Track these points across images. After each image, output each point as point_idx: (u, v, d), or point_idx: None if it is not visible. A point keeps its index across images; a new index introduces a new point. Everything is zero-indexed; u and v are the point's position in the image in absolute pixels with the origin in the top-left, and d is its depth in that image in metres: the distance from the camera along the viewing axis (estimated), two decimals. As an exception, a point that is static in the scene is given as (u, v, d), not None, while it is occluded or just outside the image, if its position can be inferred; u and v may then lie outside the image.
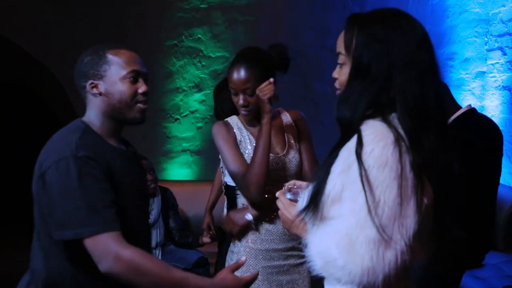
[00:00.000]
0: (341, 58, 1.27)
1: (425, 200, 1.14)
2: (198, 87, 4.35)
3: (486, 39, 4.53)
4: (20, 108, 6.10)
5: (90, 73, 1.56)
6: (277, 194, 1.41)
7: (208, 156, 4.29)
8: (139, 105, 1.59)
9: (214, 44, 4.33)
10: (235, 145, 1.94)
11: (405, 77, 1.16)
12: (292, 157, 1.99)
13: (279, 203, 1.40)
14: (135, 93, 1.57)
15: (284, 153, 1.98)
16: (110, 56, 1.57)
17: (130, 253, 1.40)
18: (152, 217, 3.30)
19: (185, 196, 3.81)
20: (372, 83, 1.18)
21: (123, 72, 1.56)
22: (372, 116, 1.17)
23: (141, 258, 1.41)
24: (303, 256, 1.91)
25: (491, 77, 4.46)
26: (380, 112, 1.17)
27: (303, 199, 1.28)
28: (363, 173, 1.11)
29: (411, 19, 1.22)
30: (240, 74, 1.89)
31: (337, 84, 1.31)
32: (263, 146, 1.82)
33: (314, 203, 1.23)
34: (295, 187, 1.40)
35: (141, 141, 4.15)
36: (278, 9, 4.35)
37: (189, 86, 4.35)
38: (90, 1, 4.10)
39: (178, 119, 4.37)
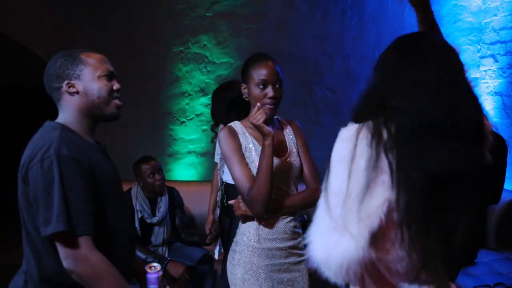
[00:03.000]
0: None
1: (385, 198, 1.13)
2: (204, 92, 4.37)
3: (479, 46, 4.52)
4: (33, 111, 6.19)
5: (65, 73, 1.58)
6: None
7: (213, 158, 4.17)
8: (116, 101, 1.65)
9: (219, 50, 4.35)
10: (241, 155, 1.93)
11: (405, 98, 1.16)
12: (294, 160, 2.01)
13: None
14: (111, 90, 1.63)
15: (285, 156, 2.00)
16: (84, 58, 1.61)
17: (97, 259, 1.45)
18: (159, 215, 3.35)
19: (190, 195, 3.83)
20: (374, 98, 1.22)
21: (99, 71, 1.61)
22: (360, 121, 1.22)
23: (106, 267, 1.46)
24: (303, 255, 2.03)
25: (484, 83, 4.45)
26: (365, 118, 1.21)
27: None
28: (328, 168, 1.19)
29: (433, 41, 1.22)
30: (271, 67, 1.90)
31: None
32: (266, 165, 1.82)
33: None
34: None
35: (149, 142, 4.25)
36: (280, 18, 4.36)
37: (194, 90, 4.36)
38: (100, 10, 4.14)
39: (184, 122, 4.39)
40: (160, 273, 1.75)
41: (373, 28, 4.45)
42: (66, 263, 1.44)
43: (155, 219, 3.35)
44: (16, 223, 1.64)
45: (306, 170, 2.05)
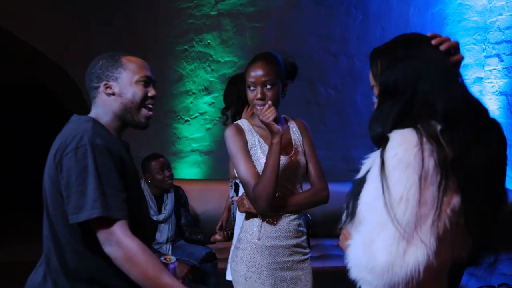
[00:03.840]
0: (375, 90, 1.30)
1: (450, 204, 1.14)
2: (208, 90, 4.38)
3: (484, 46, 4.51)
4: (39, 107, 6.22)
5: (104, 74, 1.63)
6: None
7: (217, 156, 4.32)
8: (146, 110, 1.68)
9: (223, 49, 4.36)
10: (247, 153, 1.95)
11: (430, 85, 1.19)
12: (299, 159, 2.02)
13: (342, 236, 1.39)
14: (146, 96, 1.66)
15: (291, 154, 2.00)
16: (125, 61, 1.66)
17: (131, 243, 1.45)
18: (166, 212, 3.37)
19: (194, 194, 3.84)
20: (400, 97, 1.21)
21: (137, 76, 1.65)
22: (404, 126, 1.18)
23: (140, 252, 1.46)
24: (306, 253, 2.05)
25: (488, 82, 4.45)
26: (411, 121, 1.18)
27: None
28: (386, 173, 1.12)
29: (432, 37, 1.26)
30: (259, 67, 1.91)
31: None
32: (273, 163, 1.83)
33: (352, 209, 1.26)
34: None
35: (153, 141, 4.25)
36: (284, 16, 4.36)
37: (198, 89, 4.37)
38: (105, 8, 4.15)
39: (188, 120, 4.40)
40: (176, 264, 1.80)
41: (378, 27, 4.45)
42: (105, 249, 1.46)
43: (161, 217, 3.37)
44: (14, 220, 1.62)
45: (311, 169, 2.06)
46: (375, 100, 1.32)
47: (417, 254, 1.08)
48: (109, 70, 1.64)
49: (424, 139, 1.13)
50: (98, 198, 1.43)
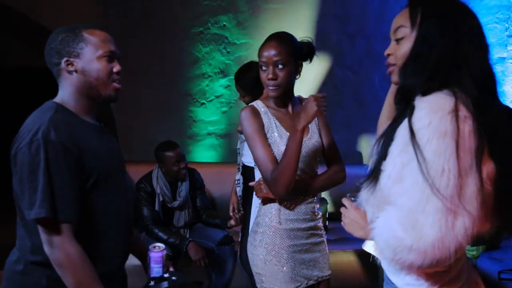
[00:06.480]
0: (402, 32, 1.25)
1: (485, 171, 1.11)
2: (223, 73, 4.36)
3: (507, 25, 4.41)
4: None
5: (65, 50, 1.53)
6: (343, 200, 1.39)
7: (232, 139, 4.31)
8: (115, 84, 1.59)
9: (239, 31, 4.33)
10: (264, 135, 1.92)
11: (471, 48, 1.16)
12: (316, 141, 2.00)
13: (344, 208, 1.37)
14: (111, 72, 1.56)
15: (308, 137, 1.98)
16: (86, 35, 1.55)
17: (71, 249, 1.43)
18: (180, 199, 3.38)
19: (210, 177, 3.84)
20: (438, 52, 1.17)
21: (100, 51, 1.54)
22: (435, 89, 1.15)
23: (78, 259, 1.44)
24: (322, 235, 2.06)
25: (511, 63, 4.38)
26: (443, 83, 1.15)
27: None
28: (422, 145, 1.07)
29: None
30: (272, 47, 1.89)
31: (392, 59, 1.28)
32: (295, 149, 1.81)
33: (374, 179, 1.21)
34: (352, 198, 1.39)
35: (168, 124, 4.28)
36: None
37: (214, 72, 4.36)
38: None
39: (204, 103, 4.39)
40: (164, 252, 1.75)
41: (396, 7, 4.31)
42: (44, 247, 1.45)
43: (176, 203, 3.38)
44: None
45: (328, 151, 2.05)
46: (394, 43, 1.28)
47: (465, 225, 1.05)
48: (70, 45, 1.53)
49: (460, 105, 1.09)
50: (47, 198, 1.40)
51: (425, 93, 1.16)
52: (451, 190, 1.05)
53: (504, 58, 4.45)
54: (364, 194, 1.26)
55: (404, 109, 1.18)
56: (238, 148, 3.04)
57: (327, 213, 3.91)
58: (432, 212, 1.05)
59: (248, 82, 2.76)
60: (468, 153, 1.07)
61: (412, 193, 1.08)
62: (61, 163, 1.43)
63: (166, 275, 1.74)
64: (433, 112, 1.09)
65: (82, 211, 1.48)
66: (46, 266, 1.48)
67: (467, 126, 1.08)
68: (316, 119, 2.05)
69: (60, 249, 1.43)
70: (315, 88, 4.33)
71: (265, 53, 1.90)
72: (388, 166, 1.16)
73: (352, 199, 1.37)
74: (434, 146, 1.06)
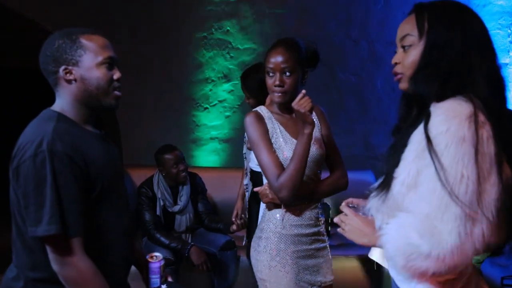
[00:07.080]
0: (409, 40, 1.23)
1: (504, 177, 1.10)
2: (227, 78, 4.37)
3: (509, 31, 4.40)
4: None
5: (63, 58, 1.46)
6: (341, 207, 1.38)
7: (236, 144, 4.30)
8: (116, 92, 1.53)
9: (242, 36, 4.34)
10: (268, 141, 1.91)
11: (480, 52, 1.16)
12: (319, 147, 2.00)
13: (344, 216, 1.35)
14: (112, 79, 1.50)
15: (312, 142, 1.95)
16: (84, 41, 1.47)
17: (84, 265, 1.39)
18: (181, 204, 3.36)
19: (212, 182, 3.83)
20: (448, 59, 1.16)
21: (100, 58, 1.48)
22: (448, 96, 1.14)
23: (92, 276, 1.40)
24: (325, 241, 2.06)
25: None
26: (457, 89, 1.14)
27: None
28: (440, 151, 1.06)
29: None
30: (279, 53, 1.89)
31: (399, 68, 1.26)
32: (302, 154, 1.82)
33: (385, 186, 1.20)
34: (351, 204, 1.39)
35: (172, 128, 4.29)
36: (304, 2, 4.32)
37: (218, 76, 4.37)
38: None
39: (207, 108, 4.40)
40: (162, 263, 1.72)
41: (399, 12, 4.34)
42: (53, 265, 1.39)
43: (176, 208, 3.37)
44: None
45: (331, 156, 2.05)
46: (401, 51, 1.26)
47: (483, 231, 1.04)
48: (67, 52, 1.46)
49: (478, 110, 1.08)
50: (55, 214, 1.34)
51: (439, 99, 1.15)
52: (470, 197, 1.04)
53: (506, 64, 4.42)
54: (375, 201, 1.25)
55: (418, 116, 1.17)
56: (244, 153, 3.03)
57: (329, 219, 3.90)
58: (451, 219, 1.04)
59: (253, 83, 2.75)
60: (487, 159, 1.06)
61: (429, 200, 1.08)
62: (68, 175, 1.37)
63: (163, 286, 1.71)
64: (451, 118, 1.08)
65: (87, 224, 1.43)
66: (48, 282, 1.43)
67: (485, 132, 1.07)
68: (318, 125, 2.05)
69: (72, 266, 1.38)
70: (317, 92, 4.31)
71: (272, 59, 1.90)
72: (402, 173, 1.15)
73: (350, 205, 1.37)
74: (452, 152, 1.05)
